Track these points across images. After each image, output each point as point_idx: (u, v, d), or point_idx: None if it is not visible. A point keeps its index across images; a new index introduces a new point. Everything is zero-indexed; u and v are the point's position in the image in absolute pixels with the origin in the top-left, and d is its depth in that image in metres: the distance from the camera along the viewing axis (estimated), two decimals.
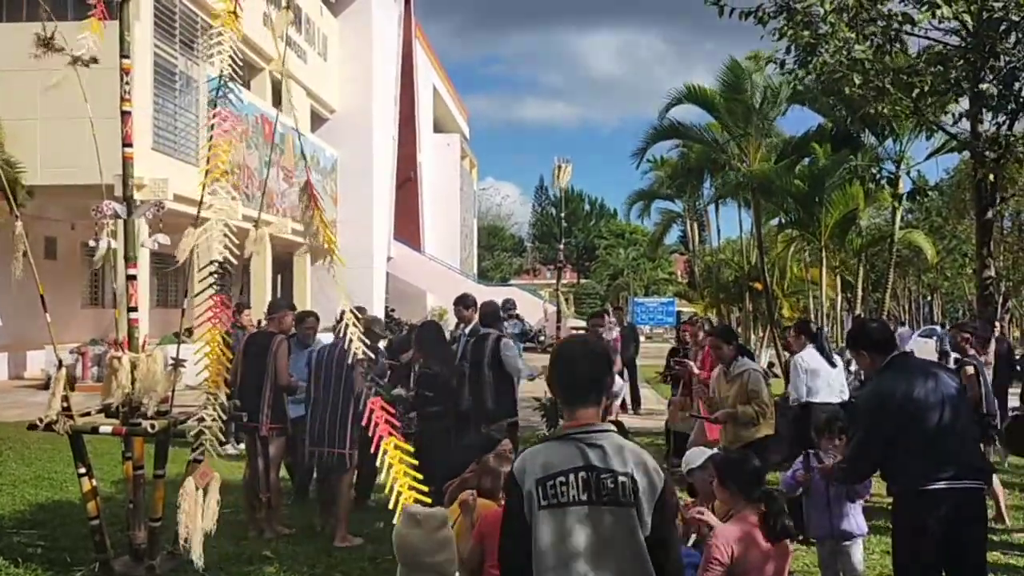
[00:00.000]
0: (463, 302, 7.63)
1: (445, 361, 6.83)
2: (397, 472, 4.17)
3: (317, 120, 29.25)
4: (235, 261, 4.09)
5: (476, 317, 7.52)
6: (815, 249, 18.51)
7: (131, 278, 5.84)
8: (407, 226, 35.46)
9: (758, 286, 21.50)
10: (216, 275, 4.05)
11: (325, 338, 7.40)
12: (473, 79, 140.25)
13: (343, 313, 7.54)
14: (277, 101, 26.10)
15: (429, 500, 3.83)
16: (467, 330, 7.47)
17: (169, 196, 17.25)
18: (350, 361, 6.37)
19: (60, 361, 5.72)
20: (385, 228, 31.35)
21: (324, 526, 6.59)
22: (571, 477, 2.57)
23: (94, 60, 5.85)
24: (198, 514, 4.31)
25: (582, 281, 59.91)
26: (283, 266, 26.63)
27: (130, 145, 5.82)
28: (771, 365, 16.91)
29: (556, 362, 2.77)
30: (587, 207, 73.68)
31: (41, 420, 5.56)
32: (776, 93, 15.62)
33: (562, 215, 8.35)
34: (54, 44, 5.74)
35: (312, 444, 6.50)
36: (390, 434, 4.32)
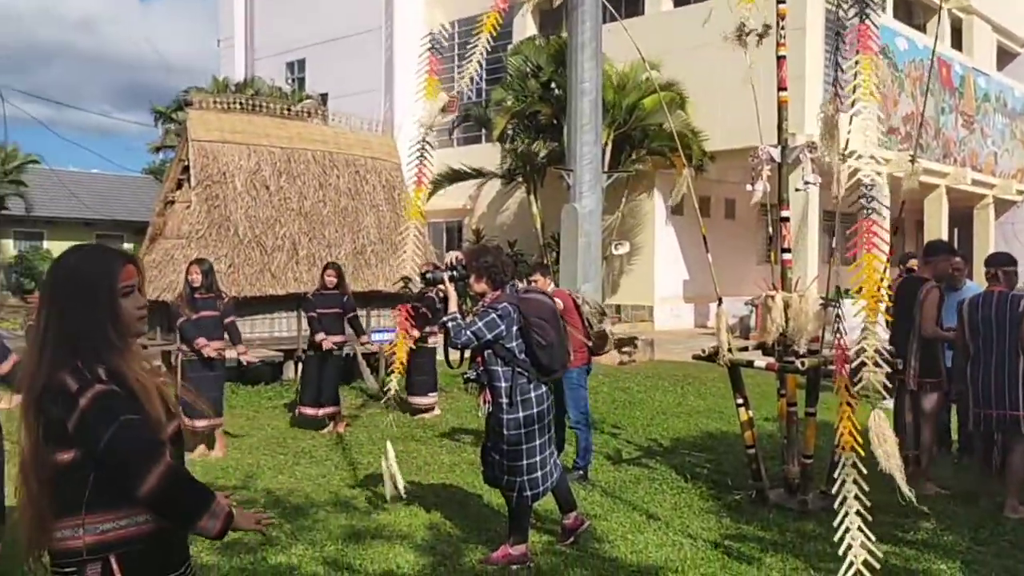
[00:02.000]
0: None
1: None
2: None
3: (1005, 57, 26.01)
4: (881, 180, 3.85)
5: None
6: None
7: (784, 220, 6.02)
8: None
9: None
10: (868, 200, 3.88)
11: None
12: None
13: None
14: (956, 41, 23.96)
15: None
16: None
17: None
18: (1020, 309, 5.61)
19: (720, 299, 6.18)
20: None
21: (985, 492, 5.91)
22: None
23: (767, 27, 6.10)
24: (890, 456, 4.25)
25: None
26: (961, 220, 24.45)
27: (784, 89, 5.95)
28: None
29: None
30: None
31: (704, 351, 6.14)
32: None
33: None
34: (743, 40, 6.04)
35: (977, 406, 5.83)
36: None
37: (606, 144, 17.87)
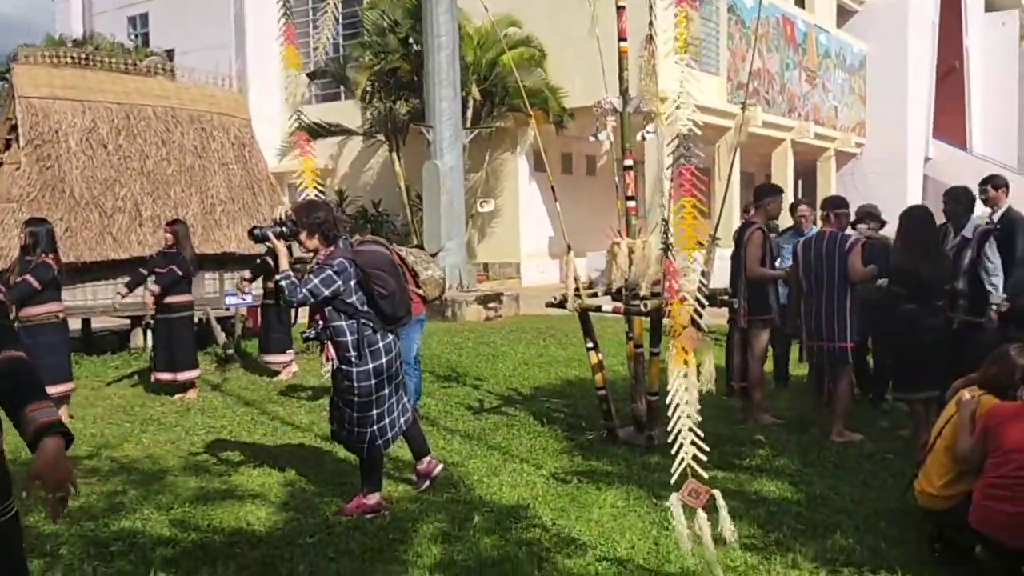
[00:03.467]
0: (993, 181, 6.53)
1: (924, 254, 5.77)
2: None
3: (844, 14, 27.37)
4: (699, 131, 4.03)
5: (1007, 199, 6.41)
6: None
7: (627, 168, 6.20)
8: (950, 122, 31.59)
9: None
10: (683, 148, 4.06)
11: None
12: None
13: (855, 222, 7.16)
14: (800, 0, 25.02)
15: None
16: (996, 216, 6.41)
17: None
18: (846, 247, 6.01)
19: (569, 246, 6.32)
20: (922, 126, 28.39)
21: (815, 420, 6.35)
22: None
23: None
24: (679, 373, 4.46)
25: None
26: (806, 172, 25.80)
27: (624, 40, 6.08)
28: None
29: None
30: None
31: (555, 298, 6.29)
32: None
33: None
34: None
35: (809, 339, 6.24)
36: None
37: (469, 101, 17.81)
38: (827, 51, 25.30)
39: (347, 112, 20.42)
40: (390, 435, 4.72)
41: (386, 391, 4.68)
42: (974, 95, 33.73)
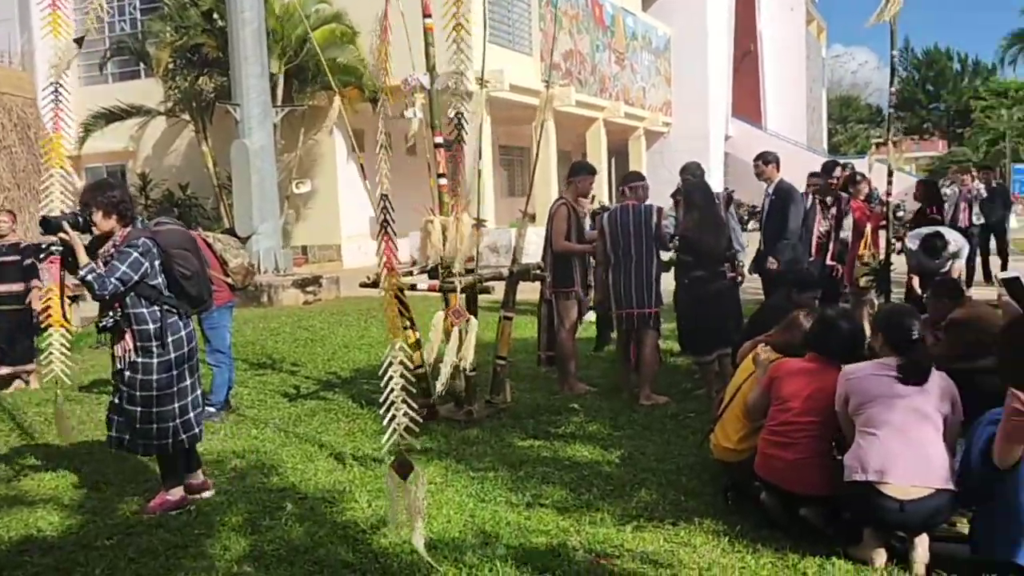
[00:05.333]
0: (763, 158, 7.11)
1: (708, 224, 6.31)
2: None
3: None
4: (467, 116, 4.09)
5: (778, 174, 7.00)
6: None
7: (438, 146, 6.18)
8: (747, 102, 33.82)
9: None
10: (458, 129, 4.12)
11: None
12: None
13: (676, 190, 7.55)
14: None
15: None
16: (771, 188, 6.95)
17: (505, 87, 18.01)
18: (655, 220, 6.31)
19: (382, 227, 6.24)
20: (722, 106, 30.18)
21: (625, 386, 6.64)
22: None
23: None
24: (438, 344, 4.59)
25: (952, 149, 53.03)
26: (619, 150, 26.82)
27: (429, 16, 6.05)
28: None
29: None
30: (957, 67, 64.19)
31: (368, 278, 6.20)
32: None
33: (894, 54, 7.18)
34: None
35: (618, 307, 6.48)
36: None
37: (277, 77, 17.22)
38: (634, 33, 26.33)
39: (148, 91, 19.23)
40: (196, 430, 4.48)
41: (188, 382, 4.45)
42: (768, 77, 36.22)
